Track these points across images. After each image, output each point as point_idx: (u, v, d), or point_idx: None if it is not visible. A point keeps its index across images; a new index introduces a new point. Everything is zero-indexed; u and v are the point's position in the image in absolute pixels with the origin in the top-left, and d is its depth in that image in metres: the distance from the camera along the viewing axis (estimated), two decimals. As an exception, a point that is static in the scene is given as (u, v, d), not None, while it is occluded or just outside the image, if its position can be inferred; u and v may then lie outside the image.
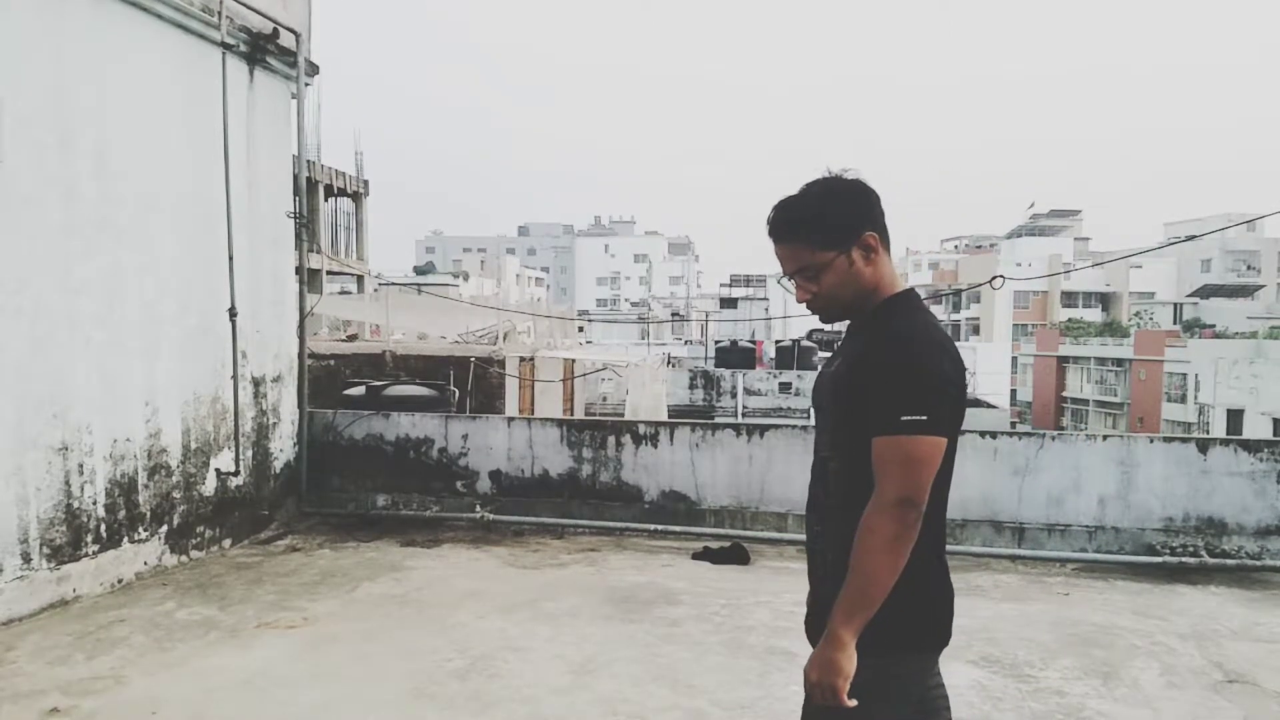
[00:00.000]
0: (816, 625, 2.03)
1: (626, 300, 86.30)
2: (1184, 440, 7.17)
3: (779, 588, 6.06)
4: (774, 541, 7.32)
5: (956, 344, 2.07)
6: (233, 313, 7.00)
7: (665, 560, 6.91)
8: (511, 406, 11.09)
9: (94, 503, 5.87)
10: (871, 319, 2.07)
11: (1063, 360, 51.43)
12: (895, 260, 2.19)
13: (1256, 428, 31.54)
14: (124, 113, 6.10)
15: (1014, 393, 50.68)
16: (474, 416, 8.53)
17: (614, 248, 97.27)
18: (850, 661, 1.88)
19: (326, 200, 27.23)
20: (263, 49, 7.36)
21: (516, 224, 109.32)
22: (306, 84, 7.96)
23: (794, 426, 7.90)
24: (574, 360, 16.05)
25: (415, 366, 10.37)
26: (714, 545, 7.16)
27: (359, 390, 9.04)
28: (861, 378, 1.97)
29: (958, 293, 56.31)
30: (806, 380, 24.95)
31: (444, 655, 4.75)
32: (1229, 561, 6.74)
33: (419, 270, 56.89)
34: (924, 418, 1.89)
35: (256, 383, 7.57)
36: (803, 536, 2.27)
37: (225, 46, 6.86)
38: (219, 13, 6.75)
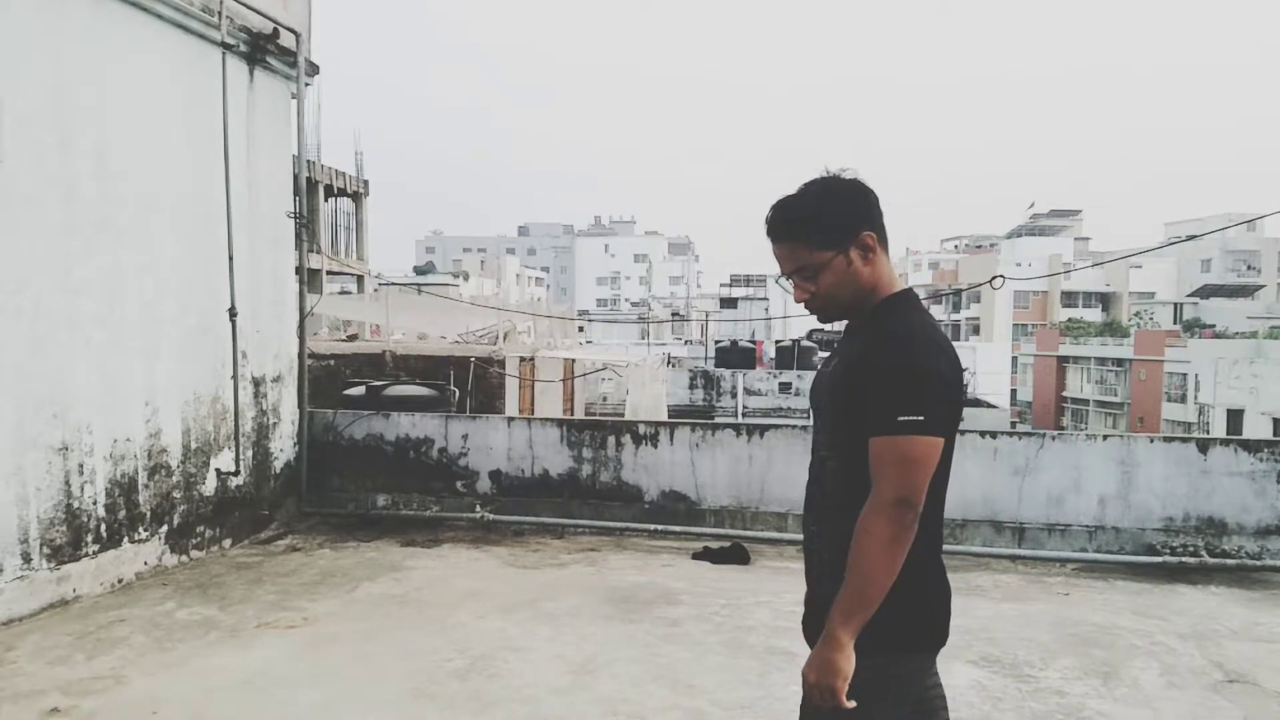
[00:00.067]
0: (814, 626, 2.02)
1: (626, 300, 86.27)
2: (1184, 440, 7.17)
3: (779, 588, 6.06)
4: (774, 541, 7.33)
5: (956, 344, 2.08)
6: (233, 313, 7.00)
7: (665, 560, 6.91)
8: (511, 406, 11.09)
9: (94, 503, 5.87)
10: (869, 319, 2.07)
11: (1063, 360, 51.43)
12: (895, 260, 2.19)
13: (1256, 428, 31.55)
14: (124, 113, 6.10)
15: (1014, 393, 50.71)
16: (474, 416, 8.54)
17: (614, 248, 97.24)
18: (849, 662, 1.87)
19: (326, 200, 27.23)
20: (263, 49, 7.36)
21: (516, 224, 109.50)
22: (306, 84, 7.97)
23: (794, 426, 7.90)
24: (574, 360, 16.05)
25: (415, 366, 10.38)
26: (714, 545, 7.16)
27: (359, 390, 9.04)
28: (859, 378, 1.97)
29: (958, 293, 56.34)
30: (806, 380, 24.94)
31: (444, 655, 4.75)
32: (1229, 561, 6.75)
33: (419, 270, 56.89)
34: (921, 418, 1.88)
35: (256, 383, 7.57)
36: (802, 536, 2.27)
37: (225, 46, 6.86)
38: (219, 13, 6.76)
